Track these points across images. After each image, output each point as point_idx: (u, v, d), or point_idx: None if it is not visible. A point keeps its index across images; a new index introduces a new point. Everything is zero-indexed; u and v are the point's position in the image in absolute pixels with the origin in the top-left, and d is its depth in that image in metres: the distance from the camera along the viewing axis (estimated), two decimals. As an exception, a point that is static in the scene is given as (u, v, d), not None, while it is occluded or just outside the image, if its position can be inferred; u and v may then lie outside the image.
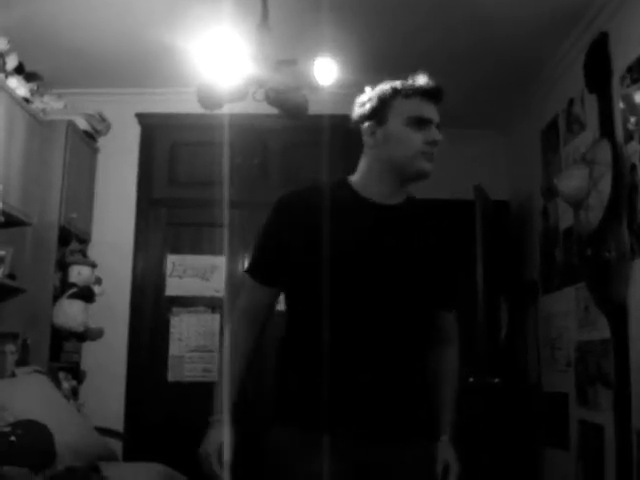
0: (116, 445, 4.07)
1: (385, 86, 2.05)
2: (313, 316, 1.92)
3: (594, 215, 3.32)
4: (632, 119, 2.45)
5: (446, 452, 1.97)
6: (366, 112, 2.07)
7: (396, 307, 1.90)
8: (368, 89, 2.10)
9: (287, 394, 2.02)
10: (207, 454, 1.92)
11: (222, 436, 1.98)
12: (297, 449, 1.89)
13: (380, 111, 2.03)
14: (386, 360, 1.88)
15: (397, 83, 2.04)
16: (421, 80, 2.04)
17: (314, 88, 3.08)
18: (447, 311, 2.13)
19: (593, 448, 3.59)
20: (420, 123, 1.97)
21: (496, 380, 4.48)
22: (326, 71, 3.04)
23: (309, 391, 1.92)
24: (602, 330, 3.48)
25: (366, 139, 2.07)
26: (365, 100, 2.10)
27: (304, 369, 1.96)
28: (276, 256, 2.01)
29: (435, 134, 1.98)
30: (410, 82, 2.04)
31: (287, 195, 2.12)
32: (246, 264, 3.73)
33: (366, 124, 2.06)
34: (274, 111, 3.38)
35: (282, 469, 1.91)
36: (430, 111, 2.01)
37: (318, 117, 4.28)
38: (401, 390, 1.89)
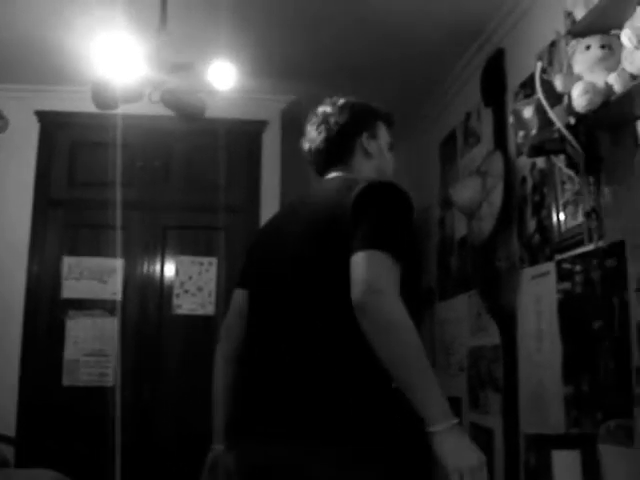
0: (8, 451, 3.96)
1: (367, 104, 2.22)
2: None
3: (486, 225, 3.44)
4: (520, 133, 2.55)
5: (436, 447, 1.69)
6: (361, 121, 2.16)
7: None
8: (342, 99, 2.22)
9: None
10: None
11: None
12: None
13: (372, 126, 2.16)
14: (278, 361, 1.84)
15: (375, 105, 2.24)
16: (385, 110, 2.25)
17: (211, 91, 3.09)
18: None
19: (483, 450, 3.69)
20: (392, 149, 2.20)
21: (393, 385, 4.57)
22: (223, 75, 3.05)
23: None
24: (493, 336, 3.60)
25: (366, 147, 2.14)
26: (355, 109, 2.18)
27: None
28: None
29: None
30: (380, 109, 2.24)
31: None
32: (146, 267, 3.82)
33: (364, 133, 2.14)
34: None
35: None
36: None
37: (218, 121, 4.30)
38: (289, 390, 1.78)
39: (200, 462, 4.24)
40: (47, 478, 3.35)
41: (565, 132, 2.34)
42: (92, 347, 4.25)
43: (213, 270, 4.40)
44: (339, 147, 2.13)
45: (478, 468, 1.67)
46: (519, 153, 3.29)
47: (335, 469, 1.69)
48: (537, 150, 2.52)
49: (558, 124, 2.35)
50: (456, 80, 4.28)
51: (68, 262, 4.33)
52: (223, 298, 4.35)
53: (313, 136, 2.16)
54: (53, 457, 3.91)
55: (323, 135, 2.14)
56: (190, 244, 4.44)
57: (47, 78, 4.33)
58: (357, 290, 1.67)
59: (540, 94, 2.41)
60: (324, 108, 2.21)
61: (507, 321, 3.40)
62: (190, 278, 4.37)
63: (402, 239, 1.82)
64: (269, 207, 4.47)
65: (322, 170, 2.17)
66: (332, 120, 2.15)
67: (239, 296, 2.16)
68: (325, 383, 1.74)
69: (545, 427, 2.93)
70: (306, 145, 2.18)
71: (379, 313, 1.67)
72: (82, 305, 4.30)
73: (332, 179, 2.10)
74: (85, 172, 4.45)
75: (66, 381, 4.22)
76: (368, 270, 1.69)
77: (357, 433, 1.72)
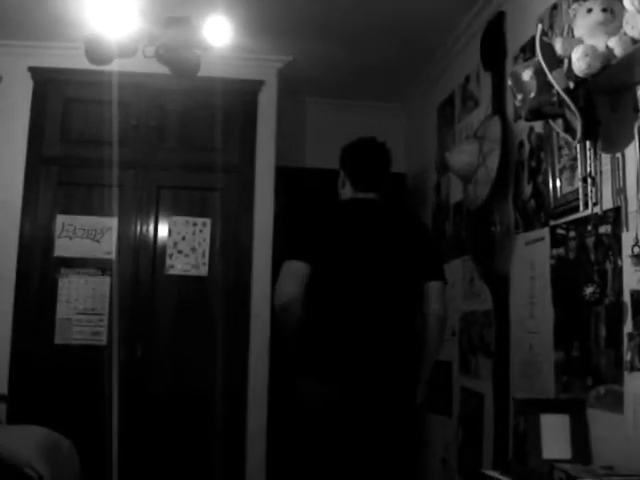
0: (0, 409, 3.98)
1: None
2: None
3: (482, 190, 3.42)
4: (519, 96, 2.52)
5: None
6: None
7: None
8: None
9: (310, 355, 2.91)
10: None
11: None
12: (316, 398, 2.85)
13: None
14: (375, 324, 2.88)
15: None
16: None
17: (206, 47, 3.05)
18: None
19: (473, 415, 3.73)
20: None
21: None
22: (219, 30, 3.01)
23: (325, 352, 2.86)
24: (485, 301, 3.61)
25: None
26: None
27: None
28: None
29: None
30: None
31: None
32: (140, 227, 4.35)
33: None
34: (171, 72, 3.34)
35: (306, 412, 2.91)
36: None
37: (214, 80, 4.26)
38: (388, 350, 2.90)
39: (194, 419, 4.31)
40: (39, 435, 3.36)
41: (564, 96, 2.31)
42: (85, 306, 4.24)
43: (207, 231, 4.38)
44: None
45: None
46: (517, 118, 3.27)
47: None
48: (535, 114, 2.49)
49: (557, 87, 2.32)
50: (456, 43, 4.23)
51: (61, 220, 4.30)
52: (217, 259, 4.34)
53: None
54: (45, 415, 3.93)
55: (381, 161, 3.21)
56: (184, 204, 4.41)
57: (41, 34, 4.27)
58: (440, 307, 3.01)
59: (540, 57, 2.37)
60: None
61: (500, 286, 3.40)
62: (183, 238, 4.35)
63: None
64: (264, 168, 4.45)
65: (366, 187, 3.10)
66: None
67: (305, 268, 2.83)
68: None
69: (535, 392, 2.94)
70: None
71: (445, 324, 3.11)
72: (75, 264, 4.28)
73: (377, 200, 3.12)
74: (79, 130, 4.40)
75: (58, 339, 4.22)
76: (444, 296, 3.04)
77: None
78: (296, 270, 2.84)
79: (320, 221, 3.03)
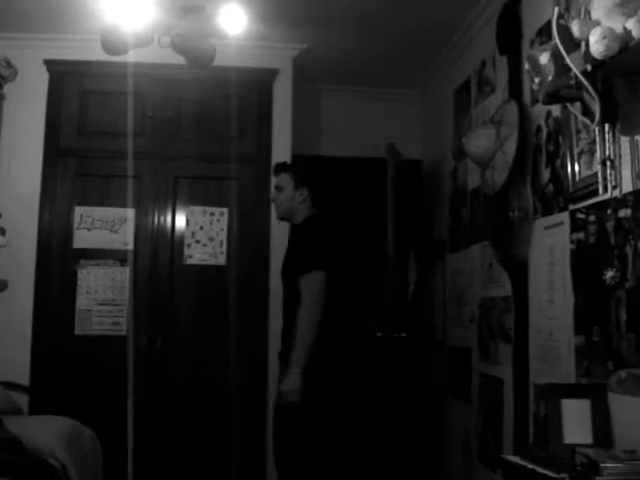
0: (22, 399, 4.02)
1: None
2: None
3: (499, 175, 3.40)
4: (536, 80, 2.50)
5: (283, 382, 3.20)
6: None
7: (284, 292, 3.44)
8: None
9: None
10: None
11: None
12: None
13: None
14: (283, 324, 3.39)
15: None
16: None
17: (221, 36, 3.04)
18: (297, 277, 3.28)
19: (493, 400, 3.72)
20: None
21: (403, 335, 4.59)
22: (234, 19, 3.00)
23: None
24: (504, 287, 3.59)
25: None
26: None
27: None
28: None
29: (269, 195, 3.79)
30: None
31: None
32: (157, 217, 4.44)
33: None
34: (187, 62, 3.35)
35: None
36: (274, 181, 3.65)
37: (229, 69, 4.26)
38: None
39: (213, 408, 4.34)
40: (61, 424, 3.40)
41: (582, 79, 2.29)
42: (104, 297, 4.27)
43: (224, 220, 4.39)
44: None
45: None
46: (534, 102, 3.24)
47: None
48: (553, 97, 2.47)
49: (575, 70, 2.30)
50: (471, 27, 4.20)
51: (79, 212, 4.33)
52: (235, 248, 4.35)
53: None
54: (67, 405, 3.96)
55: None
56: (201, 194, 4.42)
57: (56, 27, 4.28)
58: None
59: (557, 40, 2.35)
60: None
61: (519, 272, 3.38)
62: (201, 228, 4.37)
63: None
64: (280, 157, 4.44)
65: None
66: None
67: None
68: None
69: (555, 377, 2.93)
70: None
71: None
72: (93, 255, 4.31)
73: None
74: (95, 121, 4.41)
75: (78, 330, 4.25)
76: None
77: None
78: None
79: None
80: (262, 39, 4.27)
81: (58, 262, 4.30)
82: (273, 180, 3.69)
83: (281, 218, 3.65)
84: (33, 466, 2.75)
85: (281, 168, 3.63)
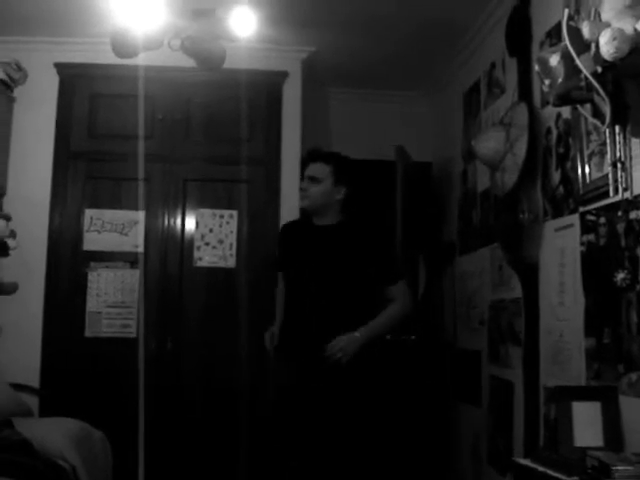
0: (32, 402, 4.03)
1: None
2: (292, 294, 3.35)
3: (509, 177, 3.39)
4: (546, 81, 2.49)
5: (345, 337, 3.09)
6: None
7: (322, 288, 3.20)
8: None
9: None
10: (266, 337, 3.35)
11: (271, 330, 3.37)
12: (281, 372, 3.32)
13: None
14: (320, 317, 3.17)
15: None
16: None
17: (231, 39, 3.05)
18: (389, 285, 3.23)
19: (503, 403, 3.71)
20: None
21: (412, 337, 4.58)
22: (244, 21, 3.00)
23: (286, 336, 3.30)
24: (514, 289, 3.58)
25: None
26: None
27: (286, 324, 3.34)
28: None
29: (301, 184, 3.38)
30: None
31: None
32: (167, 220, 4.43)
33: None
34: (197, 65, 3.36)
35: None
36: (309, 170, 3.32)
37: (238, 72, 4.26)
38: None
39: (224, 410, 4.34)
40: (71, 426, 3.40)
41: (592, 80, 2.28)
42: (114, 299, 4.29)
43: (234, 223, 4.39)
44: None
45: None
46: (544, 104, 3.24)
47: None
48: (563, 99, 2.46)
49: (585, 72, 2.30)
50: (481, 29, 4.19)
51: (89, 214, 4.34)
52: (244, 250, 4.35)
53: None
54: (77, 407, 3.97)
55: None
56: (210, 197, 4.43)
57: (66, 30, 4.30)
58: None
59: (567, 41, 2.34)
60: None
61: (529, 274, 3.38)
62: (211, 231, 4.38)
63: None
64: (289, 159, 4.45)
65: None
66: None
67: None
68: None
69: (566, 380, 2.92)
70: None
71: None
72: (104, 257, 4.32)
73: None
74: (105, 124, 4.43)
75: (89, 332, 4.26)
76: None
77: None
78: None
79: None
80: (271, 42, 4.28)
81: (68, 264, 4.31)
82: (309, 169, 3.32)
83: (306, 211, 3.38)
84: (43, 468, 2.77)
85: (321, 158, 3.33)
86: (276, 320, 3.44)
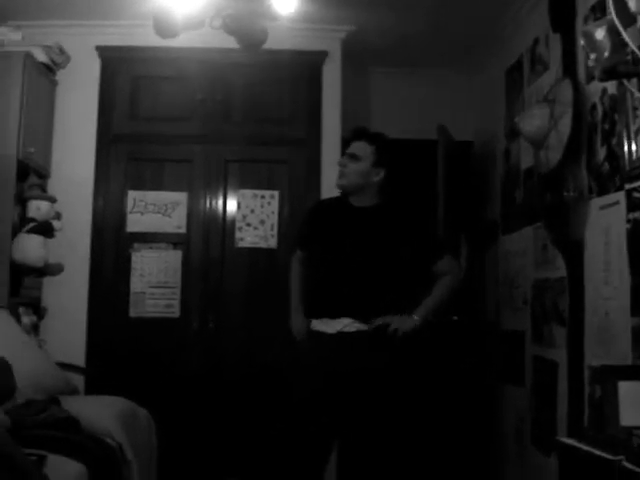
0: (78, 381, 4.09)
1: None
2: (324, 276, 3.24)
3: (553, 155, 3.34)
4: (592, 56, 2.45)
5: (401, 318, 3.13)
6: None
7: (361, 270, 3.15)
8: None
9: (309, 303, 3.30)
10: (297, 328, 3.30)
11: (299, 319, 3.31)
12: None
13: None
14: (358, 299, 3.14)
15: None
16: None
17: (272, 17, 3.03)
18: (436, 260, 3.22)
19: (547, 384, 3.68)
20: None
21: (455, 318, 4.56)
22: (284, 0, 2.99)
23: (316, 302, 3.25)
24: (559, 269, 3.54)
25: None
26: None
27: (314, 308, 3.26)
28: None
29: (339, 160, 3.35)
30: None
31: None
32: (209, 201, 4.47)
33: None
34: (237, 46, 3.35)
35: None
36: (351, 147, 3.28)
37: (278, 52, 4.25)
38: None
39: (265, 389, 4.35)
40: (117, 404, 3.45)
41: (639, 54, 2.23)
42: (157, 279, 4.33)
43: (275, 203, 4.40)
44: None
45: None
46: (589, 80, 3.18)
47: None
48: (609, 73, 2.41)
49: (632, 46, 2.24)
50: (523, 5, 4.12)
51: (132, 196, 4.39)
52: (285, 231, 4.36)
53: None
54: (121, 386, 4.01)
55: None
56: (252, 177, 4.45)
57: (107, 13, 4.32)
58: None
59: (613, 14, 2.29)
60: None
61: (574, 253, 3.33)
62: (252, 211, 4.39)
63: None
64: (330, 139, 4.44)
65: None
66: None
67: None
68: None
69: (611, 359, 2.88)
70: None
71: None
72: (147, 238, 4.37)
73: None
74: (147, 106, 4.46)
75: (133, 312, 4.32)
76: None
77: None
78: None
79: None
80: (311, 21, 4.25)
81: (112, 246, 4.37)
82: (352, 146, 3.27)
83: (342, 190, 3.31)
84: (91, 445, 2.81)
85: (365, 137, 3.27)
86: (293, 307, 3.38)
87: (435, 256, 3.24)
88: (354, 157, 3.22)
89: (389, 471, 3.19)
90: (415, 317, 3.16)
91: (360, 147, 3.24)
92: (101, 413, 3.20)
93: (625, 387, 2.45)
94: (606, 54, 2.37)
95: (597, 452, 2.21)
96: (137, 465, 3.12)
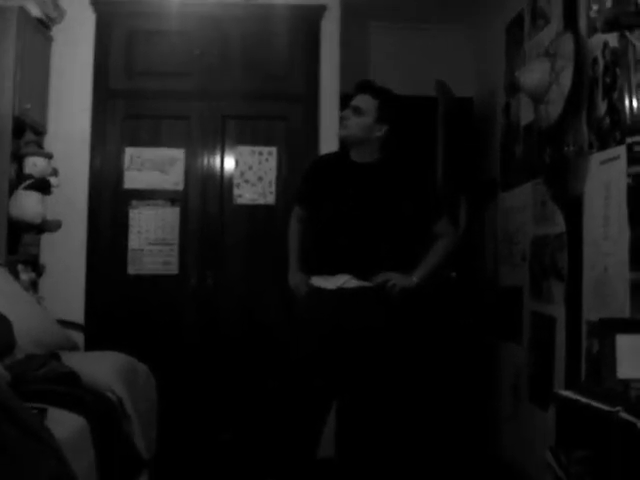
0: (78, 337, 4.10)
1: None
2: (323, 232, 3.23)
3: (554, 109, 3.31)
4: (594, 7, 2.43)
5: (401, 275, 3.16)
6: None
7: (361, 225, 3.14)
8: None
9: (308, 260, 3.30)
10: (296, 284, 3.30)
11: (298, 276, 3.31)
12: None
13: None
14: (358, 256, 3.14)
15: None
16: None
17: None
18: (434, 221, 3.23)
19: (544, 339, 3.70)
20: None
21: (453, 274, 4.57)
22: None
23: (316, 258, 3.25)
24: (557, 224, 3.53)
25: None
26: None
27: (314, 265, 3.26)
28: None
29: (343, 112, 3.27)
30: None
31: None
32: (206, 158, 4.38)
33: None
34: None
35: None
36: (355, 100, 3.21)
37: (276, 6, 4.20)
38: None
39: (263, 346, 4.37)
40: (117, 360, 3.46)
41: (643, 4, 2.20)
42: (155, 236, 4.32)
43: (273, 160, 4.38)
44: None
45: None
46: (590, 33, 3.14)
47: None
48: (612, 24, 2.40)
49: (635, -5, 2.22)
50: (524, -42, 4.06)
51: (129, 153, 4.36)
52: (284, 187, 4.35)
53: None
54: (120, 343, 4.03)
55: None
56: (249, 134, 4.41)
57: (102, -33, 4.25)
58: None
59: (617, -36, 2.26)
60: None
61: (573, 208, 3.32)
62: (250, 168, 4.37)
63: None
64: (328, 95, 4.40)
65: None
66: None
67: None
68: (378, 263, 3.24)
69: (609, 314, 2.88)
70: None
71: None
72: (144, 195, 4.34)
73: None
74: (143, 61, 4.39)
75: (131, 270, 4.32)
76: None
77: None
78: None
79: None
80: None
81: (110, 203, 4.34)
82: (356, 99, 3.21)
83: (343, 140, 3.32)
84: (91, 399, 2.82)
85: (370, 90, 3.21)
86: (292, 264, 3.39)
87: (433, 217, 3.25)
88: (357, 110, 3.18)
89: (388, 430, 3.22)
90: (414, 278, 3.19)
91: (364, 101, 3.18)
92: (101, 368, 3.22)
93: (623, 340, 2.46)
94: (609, 5, 2.35)
95: (595, 404, 2.23)
96: (137, 419, 3.15)
